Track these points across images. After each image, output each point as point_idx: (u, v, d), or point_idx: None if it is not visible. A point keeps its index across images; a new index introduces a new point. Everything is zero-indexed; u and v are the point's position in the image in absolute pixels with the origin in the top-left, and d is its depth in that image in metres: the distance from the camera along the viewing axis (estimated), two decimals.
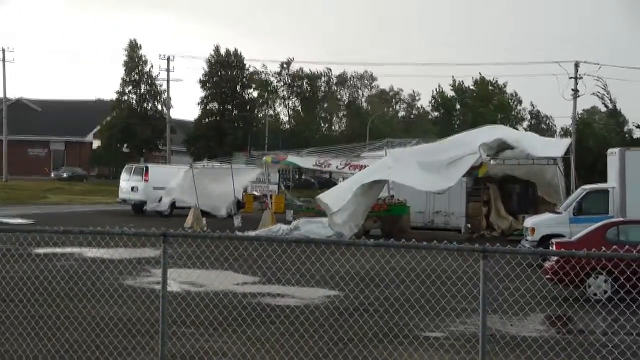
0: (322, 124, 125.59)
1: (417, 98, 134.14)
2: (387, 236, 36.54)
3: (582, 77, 74.09)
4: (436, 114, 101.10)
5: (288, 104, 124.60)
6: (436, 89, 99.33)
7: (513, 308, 16.34)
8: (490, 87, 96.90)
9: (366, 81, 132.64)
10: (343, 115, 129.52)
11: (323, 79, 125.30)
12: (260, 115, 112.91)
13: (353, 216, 36.10)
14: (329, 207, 35.87)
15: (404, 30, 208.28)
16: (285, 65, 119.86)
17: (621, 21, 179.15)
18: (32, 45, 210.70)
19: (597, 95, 78.73)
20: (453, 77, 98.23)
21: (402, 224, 39.67)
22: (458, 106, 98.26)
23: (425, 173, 35.91)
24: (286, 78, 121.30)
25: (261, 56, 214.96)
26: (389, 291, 17.54)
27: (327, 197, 36.77)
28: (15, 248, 23.77)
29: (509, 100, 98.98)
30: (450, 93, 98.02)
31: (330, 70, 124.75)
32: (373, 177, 36.06)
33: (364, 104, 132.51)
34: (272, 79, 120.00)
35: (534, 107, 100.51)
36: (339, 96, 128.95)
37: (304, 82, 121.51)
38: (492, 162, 41.68)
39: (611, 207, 29.88)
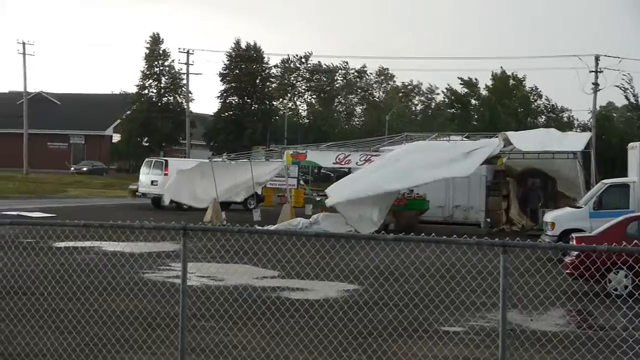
0: (341, 119, 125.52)
1: (435, 92, 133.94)
2: (407, 231, 36.47)
3: (602, 71, 73.79)
4: (452, 110, 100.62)
5: (306, 98, 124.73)
6: (447, 87, 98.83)
7: (533, 303, 16.29)
8: (511, 81, 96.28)
9: (384, 76, 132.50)
10: (361, 109, 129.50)
11: (340, 72, 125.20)
12: (280, 106, 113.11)
13: (370, 213, 35.98)
14: (334, 205, 35.79)
15: (421, 24, 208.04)
16: (303, 60, 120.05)
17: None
18: (52, 38, 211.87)
19: (621, 88, 78.38)
20: (459, 77, 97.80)
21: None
22: (473, 101, 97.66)
23: (440, 165, 35.84)
24: (305, 72, 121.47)
25: (279, 50, 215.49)
26: (408, 285, 17.52)
27: (334, 195, 36.48)
28: (35, 241, 23.86)
29: (529, 94, 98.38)
30: (462, 89, 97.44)
31: (347, 63, 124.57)
32: (387, 181, 35.79)
33: (382, 97, 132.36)
34: (291, 72, 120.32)
35: (549, 102, 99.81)
36: (356, 91, 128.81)
37: (322, 76, 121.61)
38: (509, 157, 41.64)
39: (632, 201, 29.66)
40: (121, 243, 25.35)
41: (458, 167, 35.66)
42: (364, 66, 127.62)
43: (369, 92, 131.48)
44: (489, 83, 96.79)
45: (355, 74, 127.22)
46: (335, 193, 36.29)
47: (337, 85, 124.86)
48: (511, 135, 40.58)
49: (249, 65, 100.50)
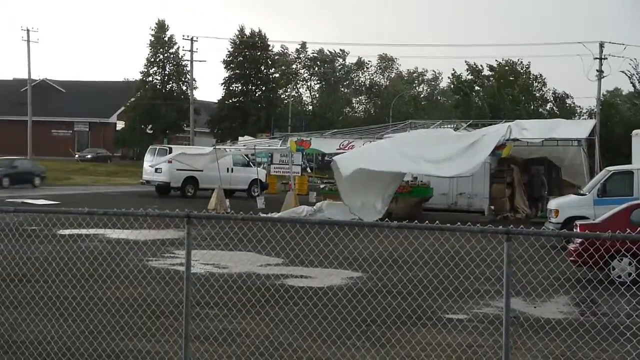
0: (345, 106, 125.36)
1: (440, 78, 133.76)
2: (410, 218, 36.46)
3: (606, 58, 73.54)
4: (457, 97, 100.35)
5: (310, 85, 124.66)
6: (452, 73, 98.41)
7: (537, 290, 16.31)
8: (507, 68, 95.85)
9: (386, 63, 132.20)
10: (365, 97, 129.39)
11: (341, 60, 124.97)
12: (283, 96, 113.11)
13: (374, 202, 35.90)
14: (340, 175, 35.01)
15: (424, 10, 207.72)
16: (301, 48, 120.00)
17: None
18: (56, 25, 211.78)
19: (627, 74, 78.08)
20: (466, 61, 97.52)
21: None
22: (477, 87, 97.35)
23: (446, 158, 35.73)
24: (305, 60, 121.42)
25: (281, 36, 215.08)
26: (412, 273, 17.52)
27: (344, 165, 35.55)
28: (39, 229, 23.90)
29: (533, 82, 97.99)
30: (467, 76, 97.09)
31: (343, 51, 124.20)
32: (394, 163, 35.49)
33: (385, 84, 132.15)
34: (292, 62, 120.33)
35: (556, 91, 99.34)
36: (358, 79, 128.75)
37: (323, 65, 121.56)
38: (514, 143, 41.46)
39: (636, 188, 29.58)
40: (125, 230, 25.32)
41: (463, 163, 35.53)
42: (361, 58, 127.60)
43: (373, 83, 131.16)
44: (490, 72, 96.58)
45: (354, 67, 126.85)
46: (345, 163, 35.31)
47: (338, 74, 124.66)
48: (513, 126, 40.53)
49: (253, 52, 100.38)
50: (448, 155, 36.03)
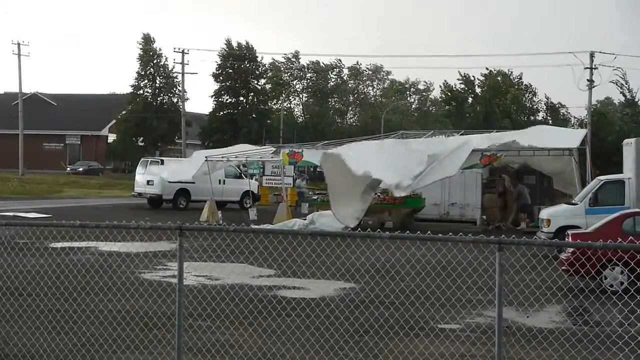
0: (336, 117, 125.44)
1: (431, 89, 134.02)
2: (402, 228, 36.38)
3: (597, 68, 73.78)
4: (448, 107, 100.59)
5: (302, 96, 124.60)
6: (444, 83, 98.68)
7: (529, 300, 16.33)
8: (499, 79, 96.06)
9: (380, 74, 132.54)
10: (356, 107, 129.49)
11: (335, 70, 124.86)
12: (274, 107, 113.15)
13: (354, 206, 35.79)
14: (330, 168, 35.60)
15: (415, 21, 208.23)
16: (294, 59, 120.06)
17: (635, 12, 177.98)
18: (47, 39, 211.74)
19: (616, 84, 78.33)
20: (459, 71, 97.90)
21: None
22: (470, 99, 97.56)
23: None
24: (296, 72, 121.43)
25: (270, 48, 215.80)
26: (404, 283, 17.54)
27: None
28: (31, 242, 23.85)
29: (524, 92, 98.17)
30: (459, 86, 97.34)
31: (340, 60, 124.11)
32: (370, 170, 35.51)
33: (377, 96, 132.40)
34: (284, 72, 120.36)
35: (548, 100, 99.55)
36: (350, 88, 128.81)
37: (315, 75, 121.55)
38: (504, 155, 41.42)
39: (627, 198, 29.70)
40: (117, 243, 25.36)
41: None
42: (358, 63, 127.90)
43: (363, 92, 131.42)
44: (482, 82, 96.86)
45: (348, 72, 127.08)
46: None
47: (331, 84, 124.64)
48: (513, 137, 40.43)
49: (242, 64, 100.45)
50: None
